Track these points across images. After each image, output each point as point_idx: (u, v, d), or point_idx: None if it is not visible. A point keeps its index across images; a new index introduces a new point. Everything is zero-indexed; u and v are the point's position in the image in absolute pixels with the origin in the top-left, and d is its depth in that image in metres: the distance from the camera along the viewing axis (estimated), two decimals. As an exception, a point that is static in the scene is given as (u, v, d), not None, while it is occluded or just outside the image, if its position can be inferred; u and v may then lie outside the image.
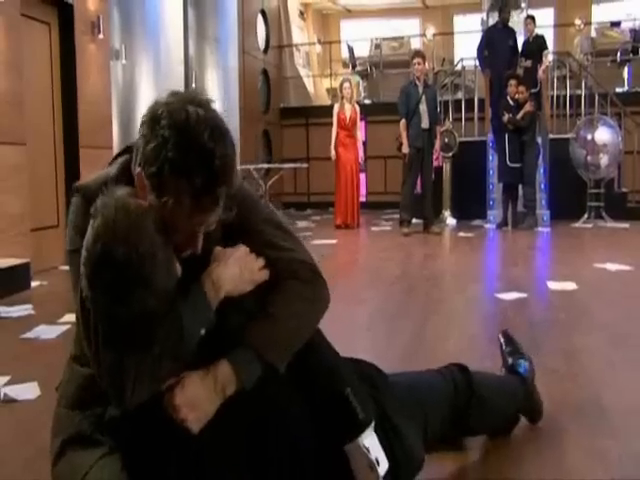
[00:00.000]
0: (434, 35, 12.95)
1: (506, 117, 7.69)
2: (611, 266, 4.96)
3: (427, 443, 1.60)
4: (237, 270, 1.22)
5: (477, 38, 10.55)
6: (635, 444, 1.92)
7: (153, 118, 1.16)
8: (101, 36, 5.80)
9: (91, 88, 5.72)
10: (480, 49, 8.73)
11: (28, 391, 2.45)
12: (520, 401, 1.98)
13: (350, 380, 1.31)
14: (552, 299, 4.00)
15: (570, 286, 4.24)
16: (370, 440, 1.27)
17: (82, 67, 5.58)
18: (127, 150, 1.32)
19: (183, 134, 1.13)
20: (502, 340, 2.15)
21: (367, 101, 11.58)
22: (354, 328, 3.49)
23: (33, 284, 4.60)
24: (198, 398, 1.15)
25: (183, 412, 1.13)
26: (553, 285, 4.31)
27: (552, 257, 6.26)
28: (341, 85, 8.37)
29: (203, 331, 1.17)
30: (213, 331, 1.19)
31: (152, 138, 1.15)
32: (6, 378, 2.57)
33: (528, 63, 8.39)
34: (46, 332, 3.33)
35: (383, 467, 1.27)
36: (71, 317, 3.33)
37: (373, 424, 1.29)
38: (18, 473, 1.84)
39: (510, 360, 2.08)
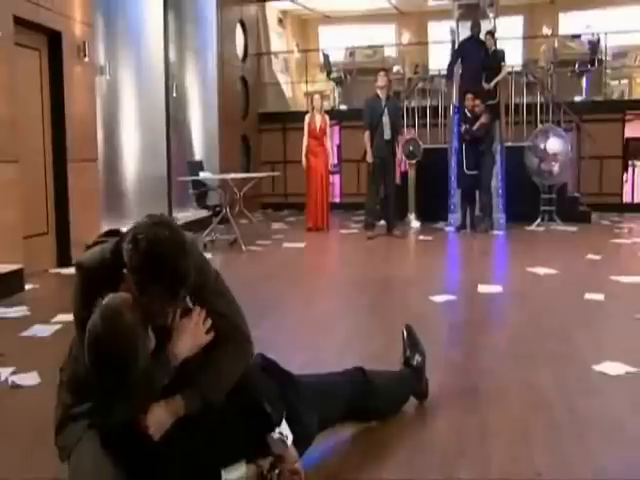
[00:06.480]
0: (405, 45, 13.55)
1: (463, 128, 8.37)
2: (541, 270, 5.59)
3: (325, 423, 2.27)
4: (191, 339, 1.88)
5: (448, 46, 11.15)
6: (490, 417, 2.57)
7: (135, 239, 1.69)
8: (87, 59, 6.36)
9: (78, 107, 6.29)
10: (453, 61, 9.33)
11: (30, 379, 3.08)
12: (410, 388, 2.63)
13: (267, 393, 2.01)
14: (476, 301, 4.64)
15: (496, 289, 4.89)
16: (282, 425, 2.01)
17: (69, 88, 6.14)
18: (116, 233, 1.92)
19: (157, 254, 1.68)
20: (405, 333, 2.78)
21: (342, 107, 12.16)
22: (301, 327, 4.10)
23: (27, 287, 5.18)
24: (159, 420, 1.82)
25: (150, 430, 1.80)
26: (482, 288, 4.94)
27: (493, 260, 6.93)
28: (311, 97, 8.99)
29: (167, 380, 1.83)
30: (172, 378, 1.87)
31: (134, 255, 1.69)
32: (11, 369, 3.20)
33: (485, 85, 9.00)
34: (41, 331, 3.94)
35: (290, 439, 2.01)
36: (63, 317, 3.96)
37: (283, 419, 2.01)
38: (29, 441, 2.46)
39: (408, 352, 2.72)
